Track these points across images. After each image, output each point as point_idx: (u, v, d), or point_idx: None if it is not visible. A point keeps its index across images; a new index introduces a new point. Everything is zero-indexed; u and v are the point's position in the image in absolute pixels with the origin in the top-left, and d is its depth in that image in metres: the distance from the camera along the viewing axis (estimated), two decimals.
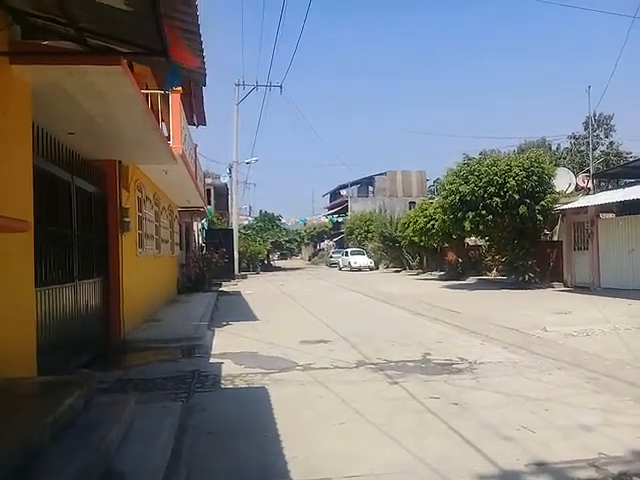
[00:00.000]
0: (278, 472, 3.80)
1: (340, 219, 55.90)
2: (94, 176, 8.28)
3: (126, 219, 9.40)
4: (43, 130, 6.04)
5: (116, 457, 3.55)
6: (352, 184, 63.86)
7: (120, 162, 9.20)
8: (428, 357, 7.66)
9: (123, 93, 5.50)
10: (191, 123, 17.48)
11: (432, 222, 24.26)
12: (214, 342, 9.35)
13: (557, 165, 22.17)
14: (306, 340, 9.25)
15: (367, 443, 4.36)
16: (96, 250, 8.36)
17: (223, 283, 24.60)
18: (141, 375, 6.99)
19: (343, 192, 66.17)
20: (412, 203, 49.21)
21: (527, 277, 18.57)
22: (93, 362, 7.56)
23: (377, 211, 45.92)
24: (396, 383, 6.25)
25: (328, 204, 74.18)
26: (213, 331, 10.55)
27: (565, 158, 40.37)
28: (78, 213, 7.33)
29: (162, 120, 12.48)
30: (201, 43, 4.40)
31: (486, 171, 17.69)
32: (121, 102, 5.83)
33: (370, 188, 64.27)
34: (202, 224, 32.73)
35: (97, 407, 4.07)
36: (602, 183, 25.63)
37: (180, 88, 10.61)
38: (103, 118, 6.39)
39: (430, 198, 34.70)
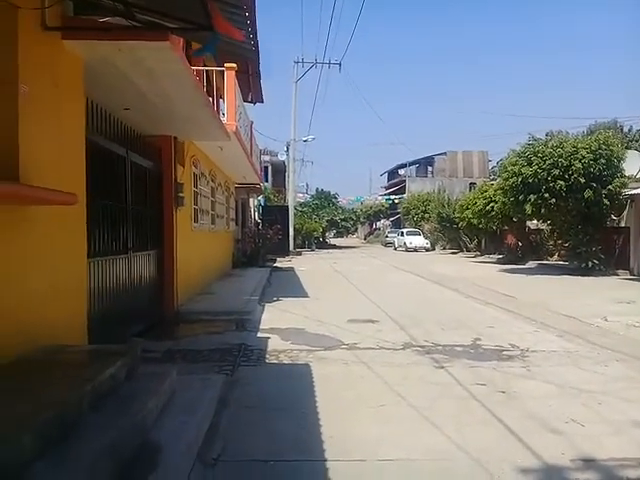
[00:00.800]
0: (313, 450, 3.78)
1: (397, 199, 55.21)
2: (149, 151, 8.43)
3: (181, 194, 9.55)
4: (98, 106, 6.17)
5: (154, 428, 3.61)
6: (410, 164, 62.86)
7: (175, 138, 9.32)
8: (478, 342, 7.45)
9: (172, 69, 5.51)
10: (248, 100, 17.55)
11: (492, 204, 23.54)
12: (263, 317, 9.45)
13: (628, 148, 20.97)
14: (354, 319, 9.20)
15: (406, 427, 4.27)
16: (151, 224, 8.54)
17: (277, 259, 24.86)
18: (190, 346, 7.14)
19: (401, 172, 65.25)
20: (473, 184, 47.89)
21: (590, 264, 17.77)
22: (146, 332, 7.77)
23: (435, 191, 45.01)
24: (442, 367, 6.11)
25: (386, 183, 73.37)
26: (263, 306, 10.67)
27: (637, 141, 38.13)
28: (133, 187, 7.49)
29: (220, 97, 12.59)
30: (247, 18, 4.32)
31: (551, 153, 16.94)
32: (171, 78, 5.85)
33: (429, 168, 63.07)
34: (258, 200, 33.09)
35: (139, 377, 4.15)
36: None
37: (234, 65, 10.63)
38: (155, 94, 6.45)
39: (492, 179, 33.62)
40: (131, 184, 7.41)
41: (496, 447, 3.87)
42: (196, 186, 12.09)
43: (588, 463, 3.57)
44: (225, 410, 4.54)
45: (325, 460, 3.63)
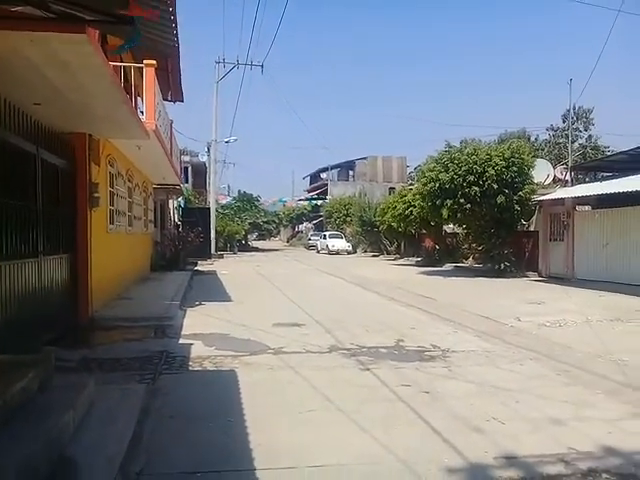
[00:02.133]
0: (241, 460, 3.67)
1: (319, 202, 55.66)
2: (62, 149, 7.94)
3: (96, 194, 9.08)
4: (6, 100, 5.74)
5: (71, 442, 3.38)
6: (332, 167, 63.55)
7: (90, 135, 8.85)
8: (401, 344, 7.59)
9: (89, 63, 5.20)
10: (168, 99, 17.06)
11: (411, 208, 24.23)
12: (185, 322, 9.17)
13: (536, 156, 22.24)
14: (279, 323, 9.12)
15: (335, 432, 4.25)
16: (63, 225, 8.06)
17: (199, 262, 24.31)
18: (107, 354, 6.80)
19: (323, 175, 65.88)
20: (392, 189, 49.13)
21: (503, 266, 18.65)
22: (58, 340, 7.30)
23: (357, 195, 45.77)
24: (368, 369, 6.16)
25: (308, 187, 73.80)
26: (185, 311, 10.36)
27: (544, 150, 40.62)
28: (44, 187, 7.01)
29: (138, 94, 12.13)
30: (169, 12, 4.16)
31: (466, 160, 17.64)
32: (87, 73, 5.53)
33: (350, 172, 64.03)
34: (178, 202, 32.24)
35: (54, 389, 3.88)
36: (580, 176, 25.85)
37: (154, 62, 10.27)
38: (69, 89, 6.07)
39: (410, 184, 34.63)
40: (42, 183, 6.94)
41: (423, 448, 3.93)
42: (112, 186, 11.56)
43: (510, 460, 3.69)
44: (147, 421, 4.32)
45: (254, 469, 3.53)
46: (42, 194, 6.96)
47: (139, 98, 12.30)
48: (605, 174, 21.23)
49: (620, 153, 18.49)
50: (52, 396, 3.75)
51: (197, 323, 9.06)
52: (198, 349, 7.15)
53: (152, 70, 10.44)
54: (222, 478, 3.47)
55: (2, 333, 5.09)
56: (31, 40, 4.51)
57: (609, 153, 32.38)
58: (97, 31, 5.31)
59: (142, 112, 10.39)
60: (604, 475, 3.48)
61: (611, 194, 14.47)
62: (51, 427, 3.19)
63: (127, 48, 4.78)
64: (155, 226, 20.78)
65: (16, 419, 3.17)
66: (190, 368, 6.25)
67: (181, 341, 7.72)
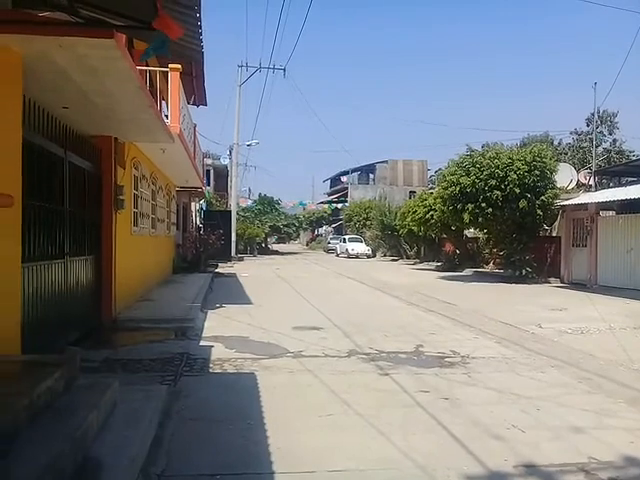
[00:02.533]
0: (261, 463, 3.71)
1: (339, 205, 55.67)
2: (89, 152, 8.11)
3: (121, 197, 9.24)
4: (36, 104, 5.87)
5: (95, 443, 3.45)
6: (353, 171, 63.51)
7: (116, 139, 9.02)
8: (421, 349, 7.58)
9: (116, 68, 5.31)
10: (191, 103, 17.25)
11: (431, 212, 24.13)
12: (206, 325, 9.26)
13: (559, 160, 22.00)
14: (299, 326, 9.16)
15: (354, 436, 4.27)
16: (89, 227, 8.22)
17: (219, 264, 24.49)
18: (129, 355, 6.91)
19: (344, 179, 65.82)
20: (412, 192, 49.00)
21: (524, 271, 18.48)
22: (82, 340, 7.46)
23: (377, 199, 45.69)
24: (387, 375, 6.17)
25: (328, 190, 73.84)
26: (206, 313, 10.46)
27: (567, 154, 40.15)
28: (71, 189, 7.17)
29: (162, 98, 12.31)
30: (195, 18, 4.23)
31: (488, 164, 17.52)
32: (114, 77, 5.65)
33: (371, 176, 63.94)
34: (200, 205, 32.55)
35: (79, 389, 3.97)
36: (604, 180, 25.50)
37: (179, 66, 10.42)
38: (96, 93, 6.20)
39: (430, 188, 34.53)
40: (69, 186, 7.10)
41: (442, 454, 3.93)
42: (136, 189, 11.73)
43: (530, 469, 3.68)
44: (169, 422, 4.39)
45: (274, 472, 3.57)
46: (69, 196, 7.11)
47: (163, 102, 12.48)
48: (630, 179, 20.91)
49: None
50: (77, 396, 3.84)
51: (218, 325, 9.15)
52: (218, 351, 7.22)
53: (177, 74, 10.58)
54: None
55: (29, 333, 5.20)
56: (60, 45, 4.61)
57: (634, 158, 31.87)
58: (124, 36, 5.40)
59: (166, 116, 10.54)
60: None
61: (636, 199, 14.25)
62: (76, 427, 3.26)
63: (152, 54, 4.86)
64: (177, 228, 21.01)
65: (42, 418, 3.25)
66: (210, 370, 6.32)
67: (202, 343, 7.81)
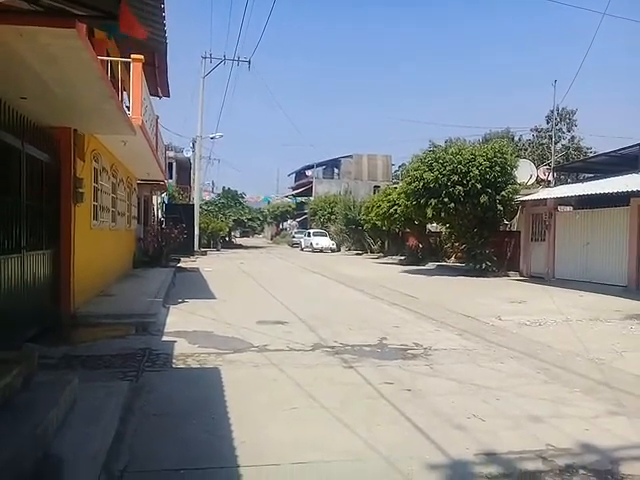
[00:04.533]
0: (224, 457, 3.69)
1: (304, 199, 55.68)
2: (47, 144, 7.86)
3: (80, 190, 9.01)
4: None
5: (55, 440, 3.38)
6: (318, 165, 63.60)
7: (76, 130, 8.77)
8: (384, 342, 7.67)
9: (78, 57, 5.17)
10: (154, 94, 16.94)
11: (395, 207, 24.37)
12: (168, 320, 9.14)
13: (519, 156, 22.48)
14: (263, 321, 9.14)
15: (319, 429, 4.30)
16: (47, 221, 7.99)
17: (182, 259, 24.19)
18: (89, 352, 6.77)
19: (308, 173, 65.86)
20: (377, 187, 49.31)
21: (485, 265, 18.86)
22: (40, 336, 7.27)
23: (341, 193, 45.87)
24: (351, 367, 6.22)
25: (293, 184, 73.74)
26: (168, 308, 10.33)
27: (527, 150, 40.98)
28: (28, 182, 6.94)
29: (124, 89, 12.05)
30: (158, 9, 4.16)
31: (450, 159, 17.77)
32: (76, 67, 5.49)
33: (335, 170, 64.10)
34: (162, 198, 32.06)
35: (37, 386, 3.87)
36: (562, 176, 26.19)
37: (142, 56, 10.20)
38: (57, 83, 6.02)
39: (395, 183, 34.84)
40: (26, 178, 6.87)
41: (405, 445, 3.99)
42: (96, 182, 11.46)
43: (490, 457, 3.77)
44: (131, 418, 4.33)
45: (238, 466, 3.56)
46: (26, 189, 6.89)
47: (125, 93, 12.21)
48: (587, 175, 21.56)
49: (602, 155, 18.80)
50: (36, 393, 3.74)
51: (180, 320, 9.04)
52: (181, 347, 7.14)
53: (139, 65, 10.36)
54: (206, 475, 3.49)
55: None
56: (20, 34, 4.47)
57: (591, 154, 32.81)
58: (85, 25, 5.26)
59: (128, 107, 10.32)
60: (581, 471, 3.57)
61: (592, 195, 14.71)
62: (36, 424, 3.19)
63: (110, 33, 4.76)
64: (138, 222, 20.65)
65: (1, 416, 3.16)
66: (173, 366, 6.25)
67: (164, 338, 7.71)
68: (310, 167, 64.79)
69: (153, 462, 3.61)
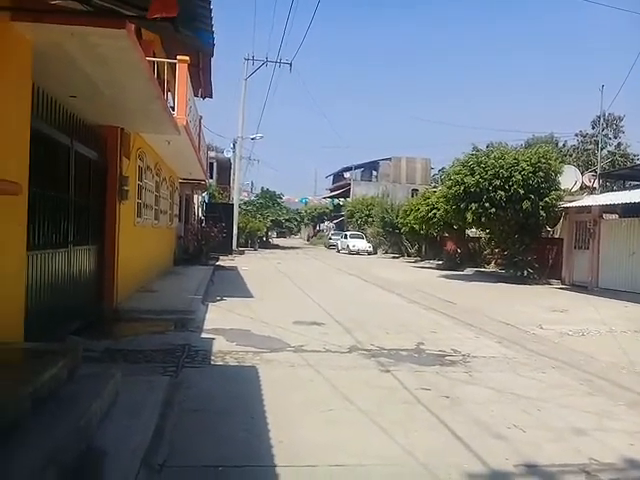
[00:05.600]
0: (262, 456, 3.71)
1: (341, 200, 55.63)
2: (95, 142, 8.10)
3: (125, 187, 9.23)
4: (44, 92, 5.86)
5: (98, 432, 3.46)
6: (356, 167, 63.41)
7: (122, 129, 9.00)
8: (421, 347, 7.59)
9: (127, 58, 5.30)
10: (198, 95, 17.22)
11: (434, 211, 24.11)
12: (207, 317, 9.27)
13: (563, 162, 21.94)
14: (299, 321, 9.17)
15: (355, 432, 4.28)
16: (93, 217, 8.22)
17: (220, 257, 24.52)
18: (130, 346, 6.90)
19: (346, 175, 65.75)
20: (415, 190, 48.92)
21: (525, 272, 18.46)
22: (84, 329, 7.46)
23: (379, 196, 45.64)
24: (388, 371, 6.17)
25: (331, 185, 73.78)
26: (207, 305, 10.47)
27: (572, 156, 40.03)
28: (76, 178, 7.16)
29: (169, 90, 12.28)
30: (209, 9, 4.22)
31: (493, 164, 17.46)
32: (124, 68, 5.63)
33: (374, 172, 63.80)
34: (203, 197, 32.53)
35: (81, 379, 3.97)
36: (608, 183, 25.45)
37: (187, 58, 10.39)
38: (105, 83, 6.19)
39: (434, 186, 34.46)
40: (74, 175, 7.09)
41: (443, 452, 3.94)
42: (141, 180, 11.73)
43: (531, 469, 3.68)
44: (171, 413, 4.39)
45: (275, 466, 3.58)
46: (74, 185, 7.11)
47: (169, 93, 12.45)
48: (634, 183, 20.88)
49: None
50: (80, 385, 3.84)
51: (219, 318, 9.15)
52: (220, 344, 7.23)
53: (185, 66, 10.55)
54: (244, 473, 3.52)
55: (32, 320, 5.21)
56: (72, 34, 4.60)
57: (638, 161, 31.78)
58: (134, 26, 5.38)
59: (173, 108, 10.52)
60: None
61: (639, 203, 14.23)
62: (80, 416, 3.27)
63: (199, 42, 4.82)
64: (179, 220, 21.01)
65: (46, 406, 3.25)
66: (212, 362, 6.33)
67: (203, 335, 7.82)
68: (348, 169, 64.67)
69: (192, 458, 3.65)
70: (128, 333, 7.86)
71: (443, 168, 35.59)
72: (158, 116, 8.16)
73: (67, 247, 6.97)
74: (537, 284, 18.07)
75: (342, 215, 55.75)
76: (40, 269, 5.93)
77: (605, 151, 39.15)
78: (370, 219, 43.26)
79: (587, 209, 17.27)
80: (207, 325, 8.53)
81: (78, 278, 7.55)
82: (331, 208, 60.26)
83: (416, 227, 27.38)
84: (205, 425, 4.25)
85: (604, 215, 17.17)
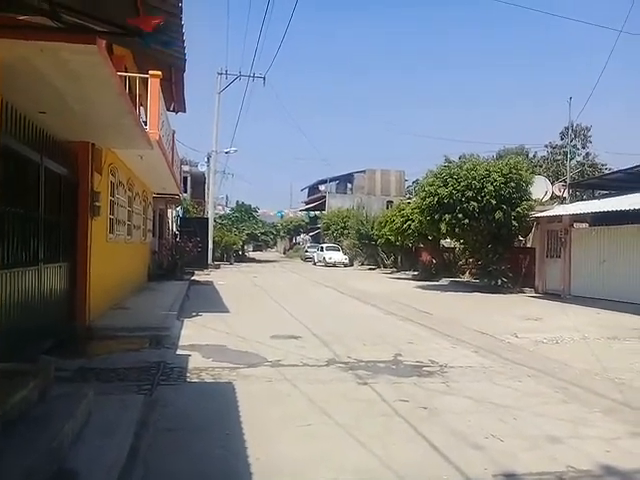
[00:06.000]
0: (240, 474, 3.66)
1: (317, 213, 55.76)
2: (65, 158, 7.98)
3: (97, 203, 9.10)
4: (12, 107, 5.76)
5: (70, 453, 3.37)
6: (331, 180, 63.74)
7: (94, 145, 8.89)
8: (399, 358, 7.60)
9: (98, 74, 5.25)
10: (170, 109, 17.12)
11: (409, 222, 24.32)
12: (182, 333, 9.15)
13: (534, 173, 22.36)
14: (276, 335, 9.11)
15: (333, 446, 4.25)
16: (64, 234, 8.07)
17: (196, 272, 24.30)
18: (104, 364, 6.77)
19: (322, 187, 66.01)
20: (390, 202, 49.31)
21: (499, 281, 18.70)
22: (56, 349, 7.29)
23: (355, 208, 45.90)
24: (366, 384, 6.16)
25: (306, 198, 73.92)
26: (182, 321, 10.34)
27: (542, 166, 40.86)
28: (46, 195, 7.03)
29: (141, 104, 12.19)
30: (179, 25, 4.22)
31: (465, 175, 17.73)
32: (95, 83, 5.57)
33: (349, 185, 64.20)
34: (177, 212, 32.26)
35: (53, 399, 3.88)
36: (577, 193, 25.99)
37: (159, 72, 10.34)
38: (76, 98, 6.11)
39: (408, 198, 34.79)
40: (45, 192, 6.96)
41: (422, 464, 3.93)
42: (113, 195, 11.59)
43: (509, 478, 3.70)
44: (145, 433, 4.31)
45: None
46: (45, 202, 6.97)
47: (142, 108, 12.36)
48: (602, 192, 21.38)
49: (618, 172, 18.64)
50: (52, 406, 3.75)
51: (194, 334, 9.04)
52: (195, 360, 7.13)
53: (157, 81, 10.49)
54: None
55: (1, 341, 5.07)
56: (41, 50, 4.54)
57: (607, 171, 32.60)
58: (105, 41, 5.35)
59: (145, 122, 10.44)
60: None
61: (608, 212, 14.57)
62: (52, 437, 3.19)
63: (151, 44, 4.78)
64: (153, 235, 20.79)
65: (16, 428, 3.16)
66: (188, 380, 6.24)
67: (178, 352, 7.71)
68: (323, 182, 64.95)
69: (168, 478, 3.59)
70: (101, 351, 7.72)
71: (417, 180, 36.00)
72: (130, 131, 8.08)
73: (37, 265, 6.82)
74: (511, 293, 18.31)
75: (318, 228, 55.85)
76: (9, 288, 5.79)
77: (574, 161, 40.01)
78: (346, 231, 43.43)
79: (558, 218, 17.61)
80: (182, 341, 8.41)
81: (49, 296, 7.39)
82: (307, 221, 60.43)
83: (391, 238, 27.59)
84: (181, 444, 4.18)
85: (574, 224, 17.54)
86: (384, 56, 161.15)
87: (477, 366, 7.25)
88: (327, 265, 39.74)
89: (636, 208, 13.21)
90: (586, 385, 6.32)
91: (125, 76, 9.97)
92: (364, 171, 61.98)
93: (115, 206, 11.84)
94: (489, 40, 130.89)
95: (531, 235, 20.20)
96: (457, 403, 5.52)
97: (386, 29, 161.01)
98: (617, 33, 22.90)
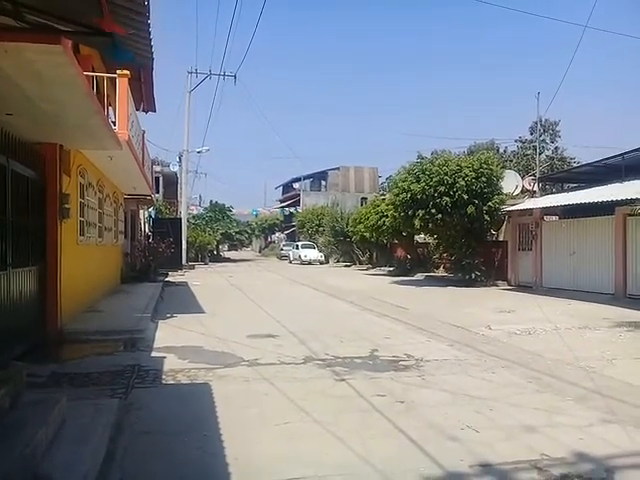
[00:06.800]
0: (218, 475, 3.65)
1: (292, 210, 55.66)
2: (32, 160, 7.81)
3: (66, 206, 8.93)
4: None
5: (44, 460, 3.31)
6: (305, 178, 63.74)
7: (61, 146, 8.72)
8: (375, 353, 7.64)
9: (63, 74, 5.13)
10: (140, 109, 16.89)
11: (383, 219, 24.45)
12: (157, 335, 9.05)
13: (504, 167, 22.68)
14: (253, 334, 9.08)
15: (312, 443, 4.25)
16: (33, 237, 7.90)
17: (170, 273, 24.05)
18: (77, 369, 6.67)
19: (296, 185, 65.96)
20: (364, 199, 49.57)
21: (473, 275, 18.93)
22: (27, 354, 7.15)
23: (329, 205, 45.97)
24: (343, 380, 6.18)
25: (280, 197, 73.81)
26: (156, 323, 10.23)
27: (512, 161, 41.42)
28: (13, 198, 6.87)
29: (109, 105, 12.00)
30: (143, 23, 4.16)
31: (437, 171, 17.89)
32: (61, 83, 5.45)
33: (323, 182, 64.30)
34: (149, 212, 31.89)
35: (25, 405, 3.80)
36: (547, 186, 26.44)
37: (127, 72, 10.19)
38: (42, 99, 5.97)
39: (382, 194, 34.97)
40: (11, 195, 6.80)
41: (399, 457, 3.97)
42: (83, 197, 11.38)
43: (485, 468, 3.75)
44: (121, 437, 4.26)
45: None
46: (12, 206, 6.81)
47: (110, 108, 12.17)
48: (572, 185, 21.79)
49: (586, 165, 18.99)
50: (24, 413, 3.68)
51: (169, 336, 8.95)
52: (171, 362, 7.06)
53: (125, 80, 10.33)
54: None
55: None
56: (5, 50, 4.42)
57: (575, 165, 33.25)
58: (70, 41, 5.24)
59: (114, 122, 10.28)
60: None
61: (577, 204, 14.86)
62: (25, 444, 3.12)
63: (124, 58, 4.72)
64: (125, 237, 20.50)
65: None
66: (163, 382, 6.17)
67: (153, 354, 7.62)
68: (297, 180, 64.91)
69: None
70: (74, 356, 7.60)
71: (390, 176, 36.17)
72: (98, 131, 7.94)
73: (6, 270, 6.67)
74: (484, 286, 18.56)
75: (293, 226, 55.81)
76: None
77: (543, 155, 40.70)
78: (321, 229, 43.45)
79: (529, 212, 17.91)
80: (157, 344, 8.32)
81: (19, 301, 7.23)
82: (282, 219, 60.23)
83: (366, 235, 27.72)
84: (158, 447, 4.14)
85: (545, 217, 17.85)
86: (358, 55, 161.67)
87: (452, 359, 7.33)
88: (303, 263, 39.75)
89: (603, 200, 13.50)
90: (559, 374, 6.44)
91: (92, 76, 9.80)
92: (338, 168, 62.13)
93: (85, 208, 11.64)
94: (458, 38, 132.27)
95: (503, 229, 20.50)
96: (433, 396, 5.58)
97: (360, 27, 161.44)
98: (583, 29, 23.32)
